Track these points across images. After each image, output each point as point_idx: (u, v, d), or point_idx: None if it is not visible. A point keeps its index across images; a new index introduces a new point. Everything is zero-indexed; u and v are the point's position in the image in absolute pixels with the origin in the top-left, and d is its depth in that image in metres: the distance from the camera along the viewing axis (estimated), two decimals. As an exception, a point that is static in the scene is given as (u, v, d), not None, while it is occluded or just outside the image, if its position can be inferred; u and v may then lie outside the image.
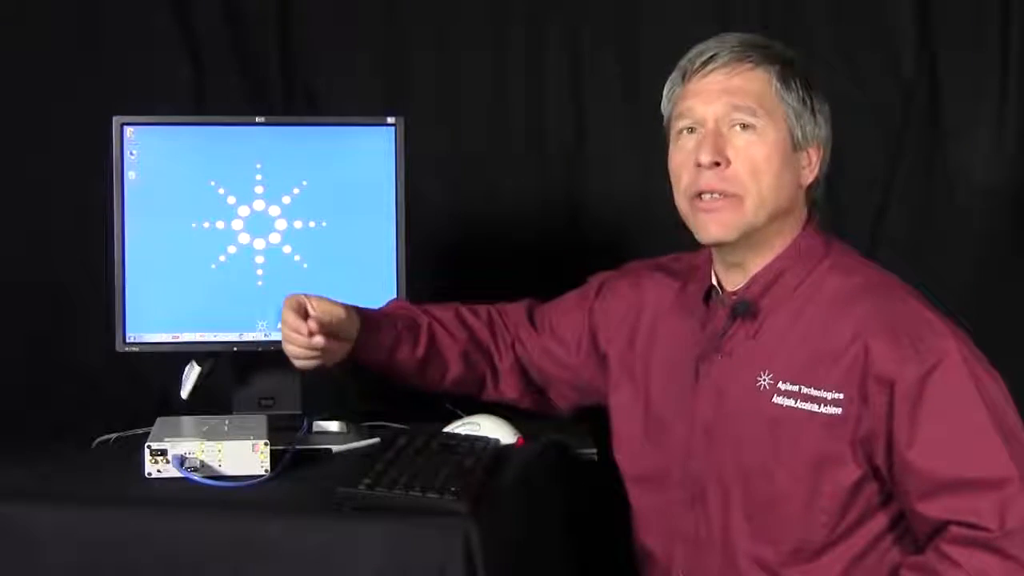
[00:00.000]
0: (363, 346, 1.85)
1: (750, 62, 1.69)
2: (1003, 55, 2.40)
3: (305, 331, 1.77)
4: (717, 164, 1.67)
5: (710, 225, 1.69)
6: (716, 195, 1.68)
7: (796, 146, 1.70)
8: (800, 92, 1.70)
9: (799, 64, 1.72)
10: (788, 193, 1.71)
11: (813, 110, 1.71)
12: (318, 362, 1.82)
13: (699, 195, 1.69)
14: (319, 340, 1.78)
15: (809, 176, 1.73)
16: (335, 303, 1.82)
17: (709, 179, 1.68)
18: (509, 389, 1.99)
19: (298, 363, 1.83)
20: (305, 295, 1.82)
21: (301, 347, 1.80)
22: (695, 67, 1.71)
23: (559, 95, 2.53)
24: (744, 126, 1.68)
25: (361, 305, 1.89)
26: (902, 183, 2.45)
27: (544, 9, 2.53)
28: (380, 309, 1.95)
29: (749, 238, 1.70)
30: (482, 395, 2.00)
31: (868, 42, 2.45)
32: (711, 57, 1.69)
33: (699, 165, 1.68)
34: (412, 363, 1.91)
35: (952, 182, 2.44)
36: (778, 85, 1.69)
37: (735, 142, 1.68)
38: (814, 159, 1.73)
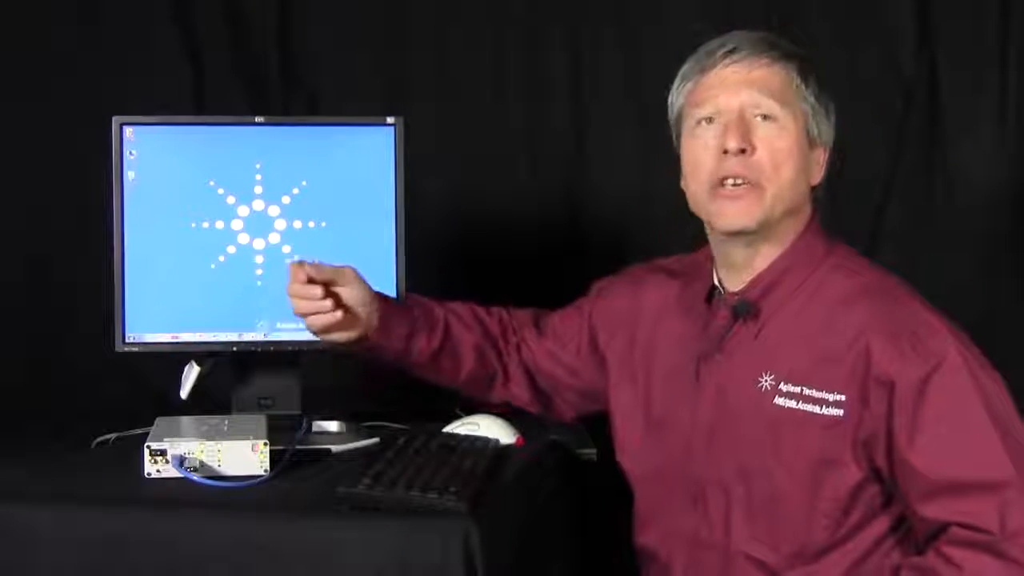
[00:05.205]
0: (381, 330, 1.85)
1: (770, 56, 1.68)
2: (1002, 53, 2.40)
3: (303, 277, 1.79)
4: (743, 151, 1.65)
5: (732, 213, 1.67)
6: (739, 182, 1.66)
7: (812, 143, 1.70)
8: (816, 90, 1.70)
9: (812, 64, 1.71)
10: (801, 190, 1.70)
11: (826, 110, 1.71)
12: (327, 320, 1.81)
13: (722, 182, 1.67)
14: (317, 291, 1.79)
15: (817, 176, 1.73)
16: (349, 269, 1.83)
17: (734, 165, 1.66)
18: (518, 389, 1.99)
19: (308, 321, 1.82)
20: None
21: (301, 297, 1.80)
22: (715, 59, 1.68)
23: (559, 95, 2.53)
24: (766, 117, 1.66)
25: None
26: (902, 181, 2.45)
27: (544, 9, 2.53)
28: (398, 297, 1.97)
29: (763, 231, 1.68)
30: (491, 393, 2.00)
31: (868, 40, 2.45)
32: (732, 49, 1.68)
33: (726, 152, 1.66)
34: (427, 354, 1.91)
35: (952, 180, 2.44)
36: (798, 80, 1.68)
37: (758, 132, 1.66)
38: (822, 160, 1.73)
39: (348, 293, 1.83)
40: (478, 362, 1.96)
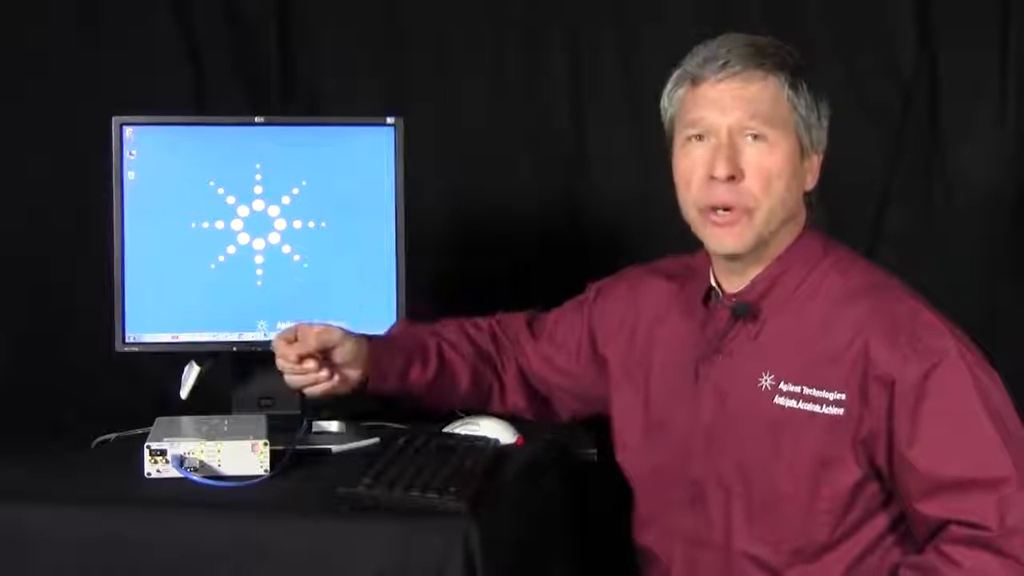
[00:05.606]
0: (375, 373, 1.85)
1: (762, 69, 1.66)
2: (1002, 55, 2.40)
3: (293, 357, 1.78)
4: (732, 178, 1.66)
5: (724, 238, 1.68)
6: (728, 208, 1.67)
7: (804, 153, 1.69)
8: (808, 98, 1.68)
9: (805, 68, 1.70)
10: (795, 200, 1.70)
11: (819, 114, 1.70)
12: (325, 388, 1.82)
13: (711, 209, 1.68)
14: (310, 364, 1.79)
15: (812, 181, 1.72)
16: (335, 329, 1.81)
17: (722, 193, 1.66)
18: (515, 400, 1.99)
19: (306, 391, 1.83)
20: (308, 324, 1.81)
21: (296, 374, 1.80)
22: (706, 73, 1.67)
23: (559, 95, 2.53)
24: (756, 137, 1.66)
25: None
26: (901, 184, 2.45)
27: (544, 9, 2.53)
28: (387, 334, 1.96)
29: (757, 248, 1.69)
30: (488, 406, 2.00)
31: (867, 42, 2.45)
32: (724, 64, 1.66)
33: (713, 178, 1.66)
34: (423, 384, 1.91)
35: (951, 182, 2.44)
36: (790, 93, 1.67)
37: (747, 153, 1.66)
38: (816, 163, 1.72)
39: (340, 355, 1.82)
40: (474, 383, 1.96)
